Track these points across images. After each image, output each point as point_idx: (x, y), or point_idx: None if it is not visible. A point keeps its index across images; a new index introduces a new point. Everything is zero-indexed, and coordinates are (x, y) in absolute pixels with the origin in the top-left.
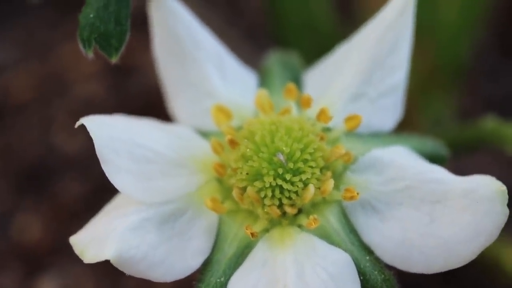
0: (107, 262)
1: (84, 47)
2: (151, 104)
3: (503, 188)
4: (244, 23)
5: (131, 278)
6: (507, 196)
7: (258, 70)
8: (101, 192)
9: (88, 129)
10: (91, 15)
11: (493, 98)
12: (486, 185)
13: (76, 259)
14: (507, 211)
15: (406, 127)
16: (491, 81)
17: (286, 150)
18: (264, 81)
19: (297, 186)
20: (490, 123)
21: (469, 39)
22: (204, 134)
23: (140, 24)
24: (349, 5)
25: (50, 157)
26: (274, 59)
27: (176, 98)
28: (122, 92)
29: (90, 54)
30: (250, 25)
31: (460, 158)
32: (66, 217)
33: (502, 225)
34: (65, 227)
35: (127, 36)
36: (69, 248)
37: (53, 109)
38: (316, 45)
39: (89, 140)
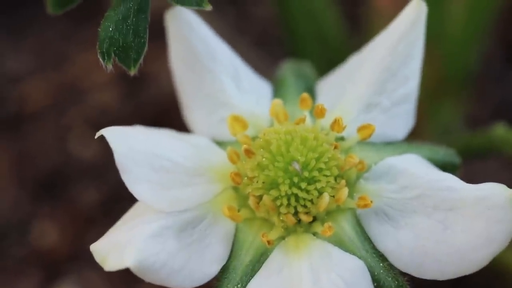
0: (123, 269)
1: (104, 59)
2: (164, 111)
3: None
4: (254, 31)
5: (146, 284)
6: None
7: (268, 78)
8: (116, 198)
9: (108, 140)
10: (111, 28)
11: (501, 105)
12: (498, 192)
13: (93, 265)
14: None
15: (415, 136)
16: (499, 88)
17: (302, 159)
18: (278, 90)
19: (312, 195)
20: (500, 131)
21: (476, 47)
22: (220, 144)
23: (152, 33)
24: (358, 14)
25: (66, 165)
26: (287, 69)
27: (192, 109)
28: (136, 100)
29: (110, 67)
30: (260, 34)
31: (470, 165)
32: (82, 223)
33: None
34: (82, 233)
35: (146, 48)
36: (86, 254)
37: (69, 117)
38: (325, 54)
39: (104, 147)
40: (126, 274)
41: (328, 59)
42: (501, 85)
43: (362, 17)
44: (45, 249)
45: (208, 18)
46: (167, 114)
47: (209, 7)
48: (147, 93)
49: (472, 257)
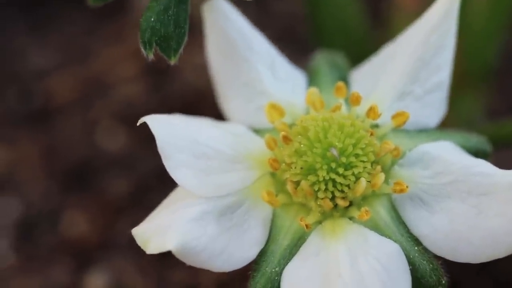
0: (152, 256)
1: (145, 48)
2: (190, 104)
3: None
4: (275, 27)
5: (176, 271)
6: None
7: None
8: (144, 189)
9: (150, 126)
10: (152, 19)
11: None
12: None
13: (123, 254)
14: None
15: (440, 127)
16: None
17: (339, 145)
18: (313, 80)
19: (350, 180)
20: None
21: (497, 41)
22: (257, 131)
23: None
24: (380, 10)
25: (94, 157)
26: (321, 59)
27: (229, 98)
28: (161, 93)
29: (151, 56)
30: (281, 29)
31: (497, 153)
32: (111, 213)
33: None
34: (111, 222)
35: (186, 38)
36: (115, 243)
37: (95, 111)
38: (349, 48)
39: (131, 140)
40: (156, 261)
41: (352, 53)
42: None
43: (384, 12)
44: (75, 238)
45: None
46: (193, 106)
47: None
48: (172, 86)
49: (505, 240)
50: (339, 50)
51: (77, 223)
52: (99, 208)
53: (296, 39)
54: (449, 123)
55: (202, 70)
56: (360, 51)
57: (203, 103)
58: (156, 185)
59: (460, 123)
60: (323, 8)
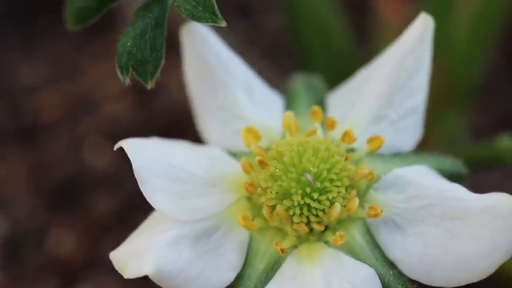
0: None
1: (122, 73)
2: (175, 121)
3: None
4: (263, 42)
5: None
6: None
7: (278, 89)
8: (130, 207)
9: (127, 151)
10: (129, 43)
11: (505, 117)
12: (503, 202)
13: (108, 272)
14: None
15: (421, 146)
16: (502, 100)
17: (314, 170)
18: (290, 103)
19: (324, 205)
20: (505, 142)
21: (480, 60)
22: (234, 155)
23: None
24: (365, 25)
25: (80, 174)
26: (298, 82)
27: (206, 120)
28: (147, 111)
29: (127, 81)
30: (269, 45)
31: (475, 175)
32: (98, 231)
33: None
34: (97, 241)
35: (163, 62)
36: (101, 261)
37: (82, 127)
38: (333, 66)
39: (117, 157)
40: (141, 282)
41: (337, 70)
42: (505, 97)
43: (369, 28)
44: (61, 257)
45: (217, 29)
46: (178, 124)
47: (223, 23)
48: (158, 104)
49: (478, 265)
50: (324, 68)
51: (63, 242)
52: (85, 227)
53: (284, 55)
54: (432, 142)
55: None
56: (344, 67)
57: (188, 120)
58: (142, 203)
59: (444, 142)
60: (305, 25)
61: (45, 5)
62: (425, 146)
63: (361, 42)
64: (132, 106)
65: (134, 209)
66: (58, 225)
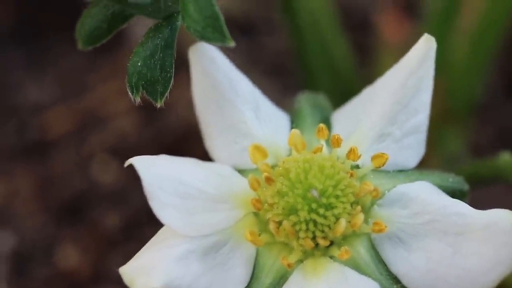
0: None
1: (132, 92)
2: (183, 138)
3: None
4: (266, 61)
5: None
6: None
7: (281, 108)
8: (137, 222)
9: (137, 168)
10: (139, 63)
11: (503, 134)
12: (504, 218)
13: (114, 286)
14: None
15: (422, 163)
16: (500, 118)
17: (319, 186)
18: (296, 121)
19: (330, 220)
20: (506, 158)
21: (479, 78)
22: (241, 171)
23: None
24: (367, 45)
25: (88, 190)
26: (304, 100)
27: (214, 138)
28: (155, 128)
29: (138, 99)
30: (272, 64)
31: (476, 191)
32: (104, 246)
33: None
34: (104, 255)
35: (172, 82)
36: (107, 275)
37: (90, 145)
38: (336, 85)
39: (124, 174)
40: None
41: (339, 90)
42: (503, 114)
43: (370, 48)
44: (68, 271)
45: (221, 48)
46: (185, 141)
47: (232, 44)
48: (165, 121)
49: (480, 279)
50: (326, 88)
51: (70, 257)
52: (92, 241)
53: (287, 74)
54: (433, 159)
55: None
56: (347, 87)
57: (195, 137)
58: (148, 219)
59: (444, 160)
60: (308, 46)
61: (51, 24)
62: (427, 163)
63: (363, 62)
64: (139, 124)
65: (140, 225)
66: (65, 240)
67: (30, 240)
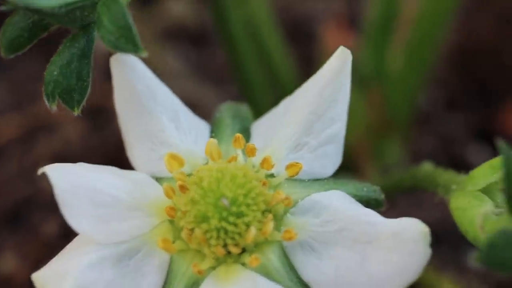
0: None
1: (48, 100)
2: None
3: (426, 230)
4: (215, 71)
5: None
6: (429, 237)
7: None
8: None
9: (48, 176)
10: (55, 72)
11: (446, 144)
12: (413, 227)
13: None
14: (429, 251)
15: (359, 173)
16: (439, 127)
17: (230, 195)
18: (215, 131)
19: (240, 228)
20: (425, 169)
21: (417, 88)
22: (159, 180)
23: None
24: (310, 56)
25: (31, 198)
26: (225, 111)
27: (133, 147)
28: (100, 136)
29: (54, 108)
30: (221, 73)
31: (407, 198)
32: (45, 253)
33: (425, 263)
34: (43, 262)
35: (89, 90)
36: None
37: (36, 152)
38: (278, 97)
39: None
40: None
41: (280, 100)
42: (444, 125)
43: (314, 58)
44: (7, 276)
45: (170, 57)
46: None
47: (145, 54)
48: (111, 129)
49: (386, 286)
50: (267, 99)
51: (9, 262)
52: (32, 249)
53: (232, 84)
54: (370, 168)
55: None
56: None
57: None
58: None
59: (381, 169)
60: (245, 56)
61: None
62: (363, 173)
63: (306, 72)
64: (85, 132)
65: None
66: (5, 247)
67: None
